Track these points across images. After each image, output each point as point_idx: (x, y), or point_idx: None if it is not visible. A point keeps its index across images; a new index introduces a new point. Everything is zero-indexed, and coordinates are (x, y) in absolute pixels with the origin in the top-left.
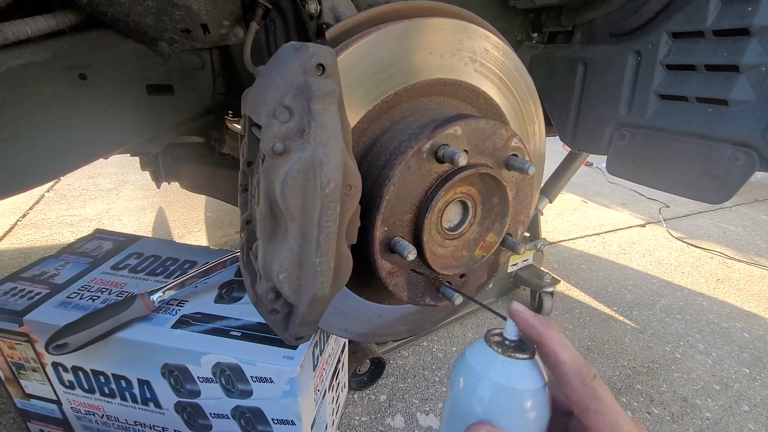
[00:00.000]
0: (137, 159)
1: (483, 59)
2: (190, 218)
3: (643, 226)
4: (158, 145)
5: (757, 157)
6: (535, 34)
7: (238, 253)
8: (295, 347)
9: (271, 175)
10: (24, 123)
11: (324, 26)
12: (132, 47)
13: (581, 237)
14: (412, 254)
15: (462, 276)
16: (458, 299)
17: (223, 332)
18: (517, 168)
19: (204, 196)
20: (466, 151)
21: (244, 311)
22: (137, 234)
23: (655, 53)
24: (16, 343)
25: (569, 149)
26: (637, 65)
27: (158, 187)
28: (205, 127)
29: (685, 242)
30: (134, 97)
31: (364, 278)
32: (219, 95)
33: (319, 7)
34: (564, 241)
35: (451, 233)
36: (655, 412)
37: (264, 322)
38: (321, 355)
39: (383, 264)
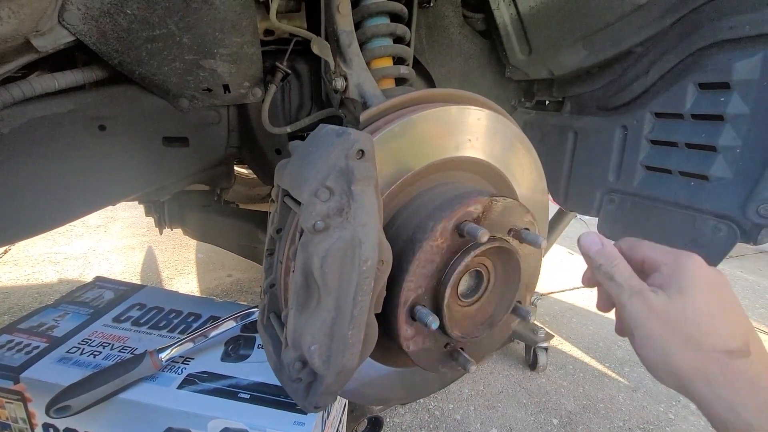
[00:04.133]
0: None
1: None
2: (180, 259)
3: None
4: (168, 193)
5: (737, 229)
6: (527, 102)
7: (250, 310)
8: (306, 413)
9: (309, 249)
10: (41, 170)
11: (346, 99)
12: (153, 102)
13: (570, 289)
14: (435, 323)
15: (473, 342)
16: (472, 367)
17: (231, 394)
18: (529, 241)
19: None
20: (483, 225)
21: (252, 370)
22: (138, 283)
23: (640, 129)
24: (7, 402)
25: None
26: (624, 138)
27: (161, 233)
28: (215, 177)
29: None
30: (150, 147)
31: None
32: (232, 148)
33: (345, 84)
34: (554, 293)
35: (465, 300)
36: None
37: (276, 384)
38: (328, 418)
39: (405, 332)
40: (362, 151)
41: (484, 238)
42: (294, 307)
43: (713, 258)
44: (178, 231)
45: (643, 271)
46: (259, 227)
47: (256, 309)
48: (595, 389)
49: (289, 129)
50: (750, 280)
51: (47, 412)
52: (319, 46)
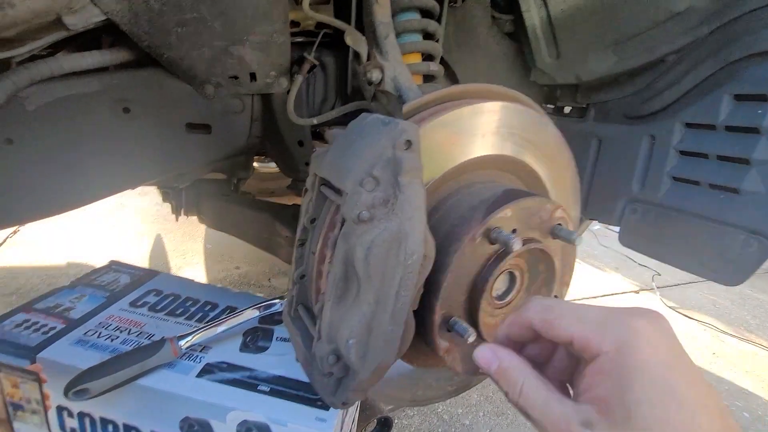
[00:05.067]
0: None
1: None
2: (188, 249)
3: (636, 292)
4: (187, 179)
5: None
6: (550, 106)
7: (272, 301)
8: (327, 408)
9: (352, 240)
10: (63, 150)
11: (379, 92)
12: (178, 87)
13: (577, 299)
14: (472, 336)
15: None
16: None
17: (250, 386)
18: (563, 237)
19: (203, 228)
20: (514, 230)
21: (271, 363)
22: (153, 269)
23: (669, 138)
24: (21, 382)
25: None
26: (651, 147)
27: (177, 219)
28: (234, 166)
29: (679, 312)
30: (173, 132)
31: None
32: (254, 138)
33: (381, 76)
34: None
35: (499, 302)
36: None
37: (296, 378)
38: (346, 416)
39: (441, 344)
40: (409, 141)
41: (517, 246)
42: (331, 298)
43: (743, 273)
44: (189, 221)
45: (573, 353)
46: (278, 219)
47: (277, 300)
48: None
49: (315, 120)
50: (760, 299)
51: (66, 394)
52: (353, 38)
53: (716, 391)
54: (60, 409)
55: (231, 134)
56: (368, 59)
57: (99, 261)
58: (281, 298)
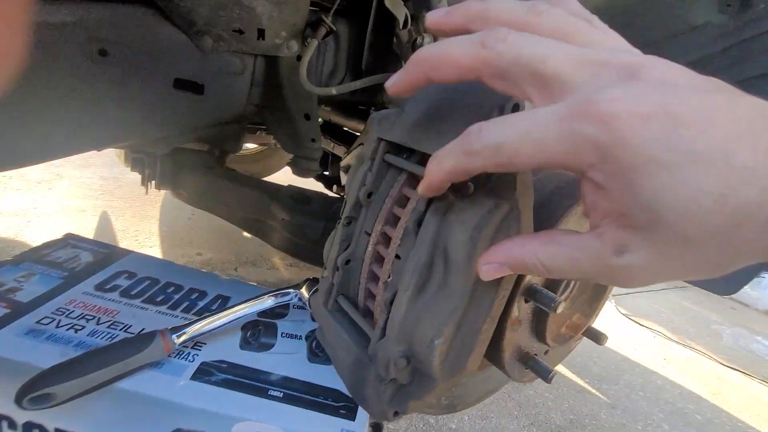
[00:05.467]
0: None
1: None
2: (141, 230)
3: None
4: (167, 145)
5: None
6: None
7: (287, 289)
8: (353, 418)
9: (450, 218)
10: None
11: None
12: (170, 34)
13: None
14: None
15: (546, 353)
16: (552, 376)
17: (259, 390)
18: None
19: (157, 207)
20: None
21: (279, 363)
22: (124, 248)
23: None
24: None
25: None
26: None
27: (146, 192)
28: (223, 136)
29: (631, 319)
30: (158, 88)
31: None
32: (252, 105)
33: (432, 42)
34: None
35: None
36: None
37: (313, 382)
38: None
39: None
40: (517, 105)
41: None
42: (410, 289)
43: (734, 284)
44: (139, 198)
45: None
46: (274, 200)
47: (291, 290)
48: (579, 404)
49: (334, 91)
50: (696, 310)
51: (18, 401)
52: (393, 1)
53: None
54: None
55: (226, 98)
56: (404, 26)
57: (31, 237)
58: (296, 287)
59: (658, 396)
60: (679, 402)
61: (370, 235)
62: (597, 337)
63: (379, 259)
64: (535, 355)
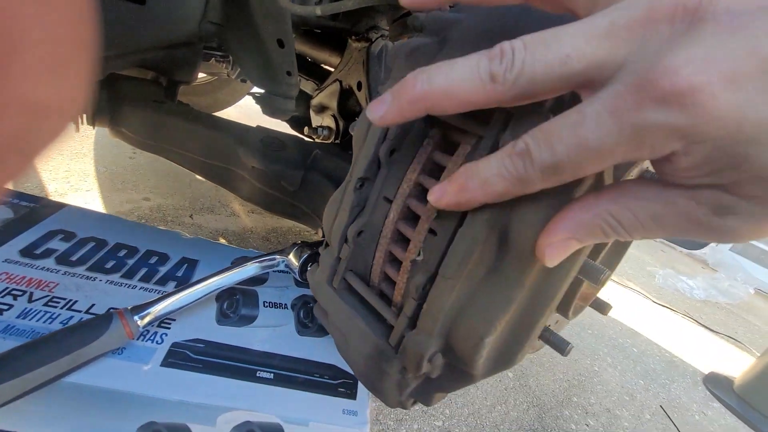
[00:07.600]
0: None
1: None
2: (73, 170)
3: None
4: (103, 70)
5: None
6: None
7: (272, 256)
8: (353, 397)
9: None
10: None
11: None
12: None
13: None
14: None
15: (557, 322)
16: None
17: (245, 373)
18: None
19: (90, 144)
20: None
21: (265, 338)
22: (54, 199)
23: None
24: None
25: None
26: None
27: (77, 129)
28: (174, 62)
29: None
30: None
31: None
32: (210, 24)
33: None
34: None
35: None
36: (591, 424)
37: (307, 358)
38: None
39: None
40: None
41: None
42: (457, 276)
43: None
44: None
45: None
46: (242, 144)
47: (277, 255)
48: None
49: (319, 11)
50: (634, 254)
51: None
52: None
53: None
54: None
55: (176, 13)
56: None
57: None
58: (281, 252)
59: (602, 333)
60: (620, 338)
61: (391, 202)
62: (602, 307)
63: (404, 233)
64: (549, 326)
